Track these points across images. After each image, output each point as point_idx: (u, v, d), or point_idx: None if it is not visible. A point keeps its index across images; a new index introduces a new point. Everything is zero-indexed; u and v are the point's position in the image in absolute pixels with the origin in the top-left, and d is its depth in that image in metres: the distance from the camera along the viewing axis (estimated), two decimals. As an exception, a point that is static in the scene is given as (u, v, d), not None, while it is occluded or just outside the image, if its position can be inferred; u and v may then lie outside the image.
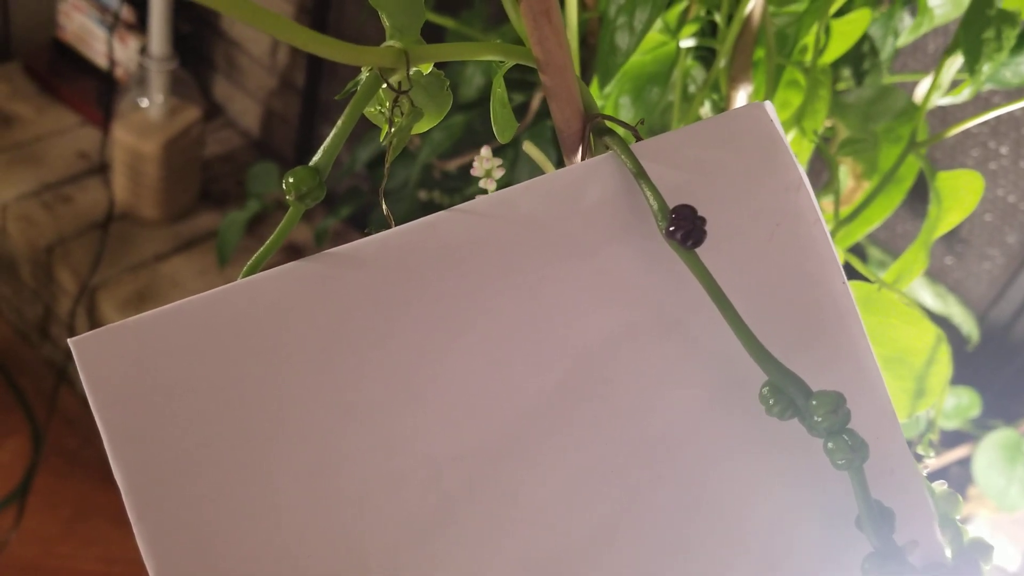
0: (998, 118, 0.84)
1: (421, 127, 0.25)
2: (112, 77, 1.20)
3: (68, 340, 0.22)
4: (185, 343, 0.22)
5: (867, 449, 0.21)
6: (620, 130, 0.24)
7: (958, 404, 0.86)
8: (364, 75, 0.22)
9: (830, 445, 0.21)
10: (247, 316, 0.23)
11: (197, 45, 1.29)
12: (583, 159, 0.25)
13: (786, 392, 0.22)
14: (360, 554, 0.23)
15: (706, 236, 0.22)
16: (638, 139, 0.24)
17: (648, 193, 0.23)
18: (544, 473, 0.24)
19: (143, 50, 1.09)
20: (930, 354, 0.40)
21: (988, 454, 0.85)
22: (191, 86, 1.14)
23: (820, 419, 0.21)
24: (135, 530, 0.22)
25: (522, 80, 0.77)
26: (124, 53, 1.20)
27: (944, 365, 0.40)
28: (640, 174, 0.23)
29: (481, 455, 0.23)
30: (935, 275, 0.91)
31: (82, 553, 1.07)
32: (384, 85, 0.22)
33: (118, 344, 0.22)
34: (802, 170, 0.24)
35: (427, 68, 0.24)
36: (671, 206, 0.23)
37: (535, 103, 0.76)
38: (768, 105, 0.25)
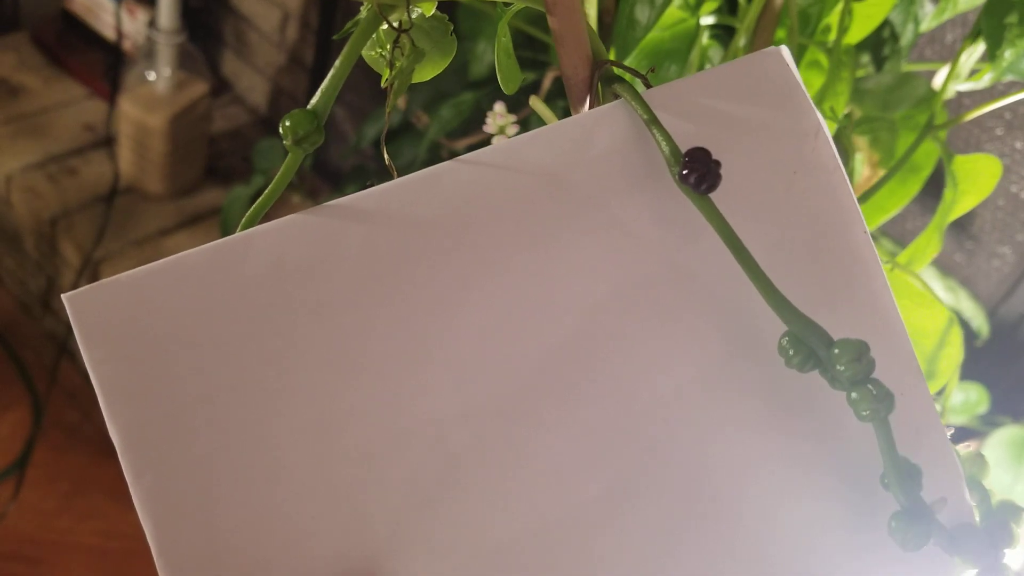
0: (1013, 112, 0.83)
1: (424, 74, 0.24)
2: (120, 50, 1.19)
3: (62, 295, 0.21)
4: (182, 297, 0.22)
5: (893, 399, 0.20)
6: (630, 78, 0.24)
7: (966, 400, 0.85)
8: (363, 12, 0.21)
9: (853, 395, 0.20)
10: (245, 269, 0.22)
11: (206, 19, 1.28)
12: (591, 108, 0.25)
13: (806, 342, 0.21)
14: (364, 514, 0.22)
15: (721, 180, 0.21)
16: (648, 87, 0.23)
17: (659, 138, 0.22)
18: (553, 433, 0.23)
19: (151, 23, 1.08)
20: (941, 337, 0.39)
21: (995, 451, 0.84)
22: (199, 61, 1.13)
23: (843, 368, 0.20)
24: (132, 490, 0.21)
25: (533, 59, 0.76)
26: (132, 26, 1.19)
27: (955, 348, 0.39)
28: (652, 120, 0.22)
29: (488, 414, 0.23)
30: (944, 269, 0.91)
31: (80, 527, 1.06)
32: (384, 25, 0.21)
33: (113, 299, 0.21)
34: (821, 117, 0.23)
35: (429, 9, 0.23)
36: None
37: (547, 83, 0.75)
38: (784, 49, 0.24)
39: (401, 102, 0.83)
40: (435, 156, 0.84)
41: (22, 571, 1.03)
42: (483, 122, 0.82)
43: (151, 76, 1.10)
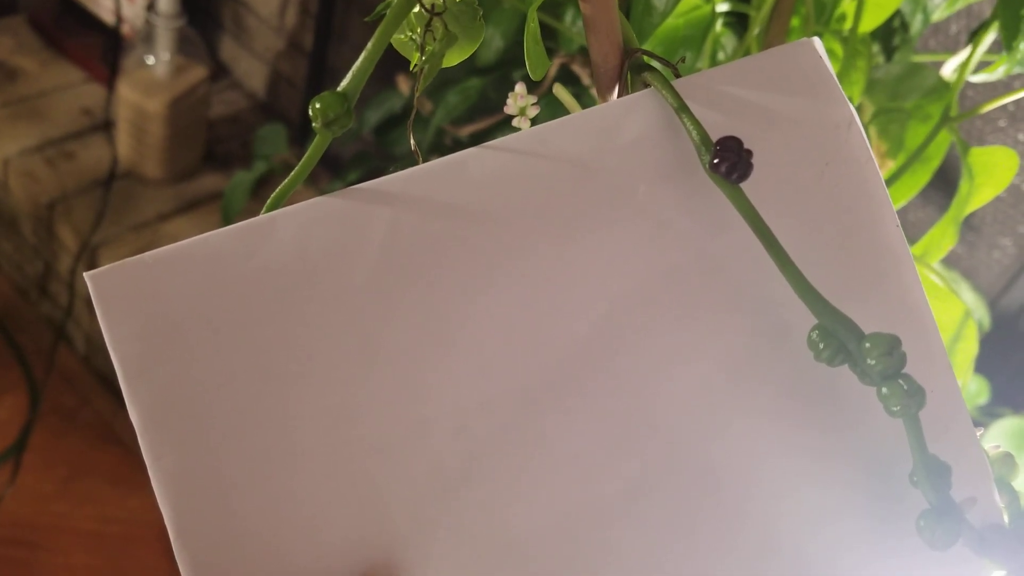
0: (1016, 104, 0.83)
1: (451, 59, 0.23)
2: (118, 33, 1.18)
3: (84, 274, 0.21)
4: (205, 278, 0.21)
5: (924, 395, 0.20)
6: (660, 67, 0.23)
7: (966, 391, 0.85)
8: (395, -4, 0.21)
9: (884, 390, 0.20)
10: (269, 252, 0.22)
11: (205, 4, 1.27)
12: (620, 97, 0.24)
13: (837, 335, 0.20)
14: (382, 502, 0.22)
15: (752, 169, 0.21)
16: (677, 77, 0.23)
17: (690, 126, 0.22)
18: (575, 423, 0.23)
19: (150, 7, 1.08)
20: (957, 330, 0.39)
21: (995, 442, 0.84)
22: (198, 45, 1.13)
23: (874, 362, 0.20)
24: (151, 472, 0.21)
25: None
26: (131, 9, 1.18)
27: (971, 341, 0.39)
28: (682, 108, 0.22)
29: (509, 404, 0.22)
30: (945, 261, 0.91)
31: (77, 512, 1.06)
32: (416, 8, 0.21)
33: (135, 279, 0.21)
34: (853, 108, 0.23)
35: (459, -6, 0.22)
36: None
37: (552, 71, 0.75)
38: (816, 41, 0.23)
39: (405, 88, 0.82)
40: (440, 142, 0.83)
41: (19, 555, 1.03)
42: (489, 108, 0.82)
43: (150, 60, 1.09)
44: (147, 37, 1.09)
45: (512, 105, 0.25)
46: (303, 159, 0.21)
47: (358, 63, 0.20)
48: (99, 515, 1.06)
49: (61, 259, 1.13)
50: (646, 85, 0.23)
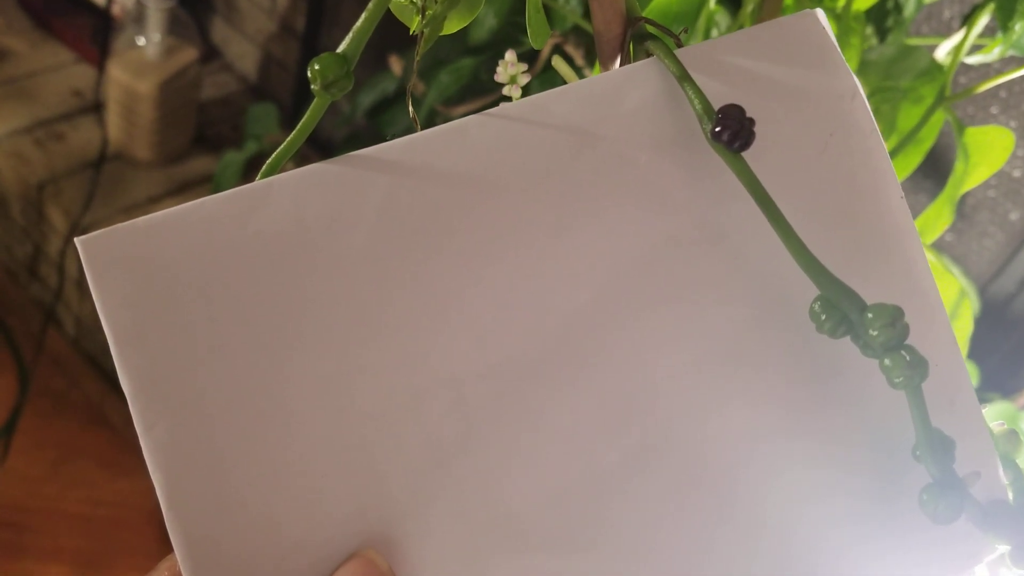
0: (1008, 91, 0.83)
1: (451, 25, 0.23)
2: (109, 14, 1.17)
3: (75, 239, 0.21)
4: (199, 244, 0.21)
5: (927, 366, 0.20)
6: (662, 36, 0.23)
7: (956, 376, 0.86)
8: (396, -42, 0.21)
9: (886, 362, 0.20)
10: (264, 218, 0.21)
11: (197, -15, 1.27)
12: (622, 66, 0.24)
13: (839, 306, 0.20)
14: (378, 472, 0.22)
15: (754, 138, 0.21)
16: (679, 47, 0.23)
17: (692, 95, 0.21)
18: (572, 396, 0.23)
19: (142, -14, 1.07)
20: (953, 309, 0.39)
21: (985, 427, 0.84)
22: (189, 26, 1.12)
23: (876, 333, 0.20)
24: (142, 441, 0.21)
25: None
26: (122, -11, 1.17)
27: (966, 320, 0.39)
28: (684, 77, 0.22)
29: (507, 375, 0.22)
30: (936, 248, 0.91)
31: (67, 494, 1.06)
32: (417, -28, 0.21)
33: (127, 244, 0.21)
34: (856, 80, 0.23)
35: (460, -41, 0.22)
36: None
37: (545, 52, 0.74)
38: (820, 12, 0.23)
39: (398, 69, 0.82)
40: (432, 123, 0.83)
41: (8, 538, 1.02)
42: (481, 89, 0.81)
43: (140, 41, 1.09)
44: (138, 18, 1.08)
45: (502, 73, 0.25)
46: (301, 122, 0.21)
47: (358, 24, 0.20)
48: (88, 498, 1.06)
49: (51, 241, 1.13)
50: (648, 54, 0.23)
